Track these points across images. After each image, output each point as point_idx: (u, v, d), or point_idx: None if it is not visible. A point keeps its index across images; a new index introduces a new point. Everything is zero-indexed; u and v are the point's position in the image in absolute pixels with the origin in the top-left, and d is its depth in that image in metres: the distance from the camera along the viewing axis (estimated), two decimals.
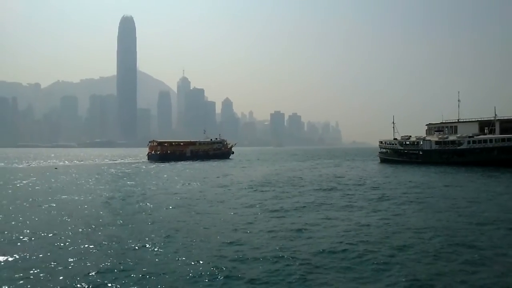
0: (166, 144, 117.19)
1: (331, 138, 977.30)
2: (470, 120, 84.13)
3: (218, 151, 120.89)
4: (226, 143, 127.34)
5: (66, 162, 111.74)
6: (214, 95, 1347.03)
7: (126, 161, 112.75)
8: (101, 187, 42.89)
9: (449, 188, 38.06)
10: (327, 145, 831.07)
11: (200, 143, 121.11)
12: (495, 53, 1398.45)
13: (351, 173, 61.96)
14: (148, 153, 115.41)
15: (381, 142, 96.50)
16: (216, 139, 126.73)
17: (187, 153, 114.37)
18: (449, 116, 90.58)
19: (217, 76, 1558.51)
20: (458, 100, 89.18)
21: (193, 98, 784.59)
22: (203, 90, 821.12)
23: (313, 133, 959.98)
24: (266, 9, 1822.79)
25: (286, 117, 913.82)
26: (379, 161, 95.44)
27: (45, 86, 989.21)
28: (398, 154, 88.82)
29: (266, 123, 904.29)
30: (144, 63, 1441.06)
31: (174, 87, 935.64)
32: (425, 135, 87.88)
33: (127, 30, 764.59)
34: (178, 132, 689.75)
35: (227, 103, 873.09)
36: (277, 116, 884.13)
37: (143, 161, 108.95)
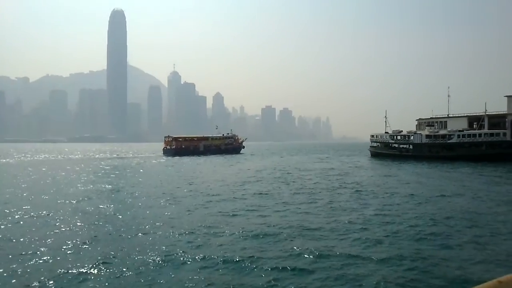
0: (180, 139, 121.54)
1: (322, 133, 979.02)
2: (460, 115, 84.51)
3: (229, 145, 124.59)
4: (237, 138, 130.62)
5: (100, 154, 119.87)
6: (205, 89, 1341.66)
7: (146, 155, 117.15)
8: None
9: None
10: (318, 139, 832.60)
11: (212, 138, 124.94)
12: (488, 51, 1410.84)
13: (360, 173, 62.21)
14: (164, 147, 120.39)
15: (372, 136, 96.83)
16: (228, 134, 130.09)
17: (200, 147, 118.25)
18: (440, 112, 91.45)
19: (208, 70, 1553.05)
20: (448, 96, 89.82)
21: (184, 92, 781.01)
22: (194, 85, 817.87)
23: (304, 128, 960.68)
24: (258, 3, 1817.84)
25: (277, 112, 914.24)
26: (370, 155, 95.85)
27: (34, 80, 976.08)
28: (389, 148, 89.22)
29: (257, 117, 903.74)
30: (135, 57, 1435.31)
31: (164, 82, 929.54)
32: (416, 130, 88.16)
33: (117, 24, 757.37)
34: (169, 127, 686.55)
35: (218, 98, 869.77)
36: (268, 111, 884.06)
37: (159, 155, 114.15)
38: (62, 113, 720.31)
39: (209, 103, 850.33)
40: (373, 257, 13.93)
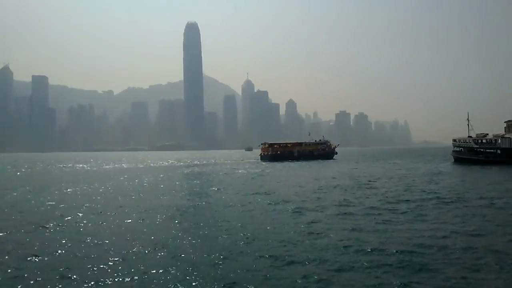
0: (276, 146, 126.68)
1: (400, 138, 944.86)
2: None
3: (323, 151, 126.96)
4: (330, 144, 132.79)
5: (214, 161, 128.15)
6: (278, 96, 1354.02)
7: (249, 161, 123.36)
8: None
9: None
10: (396, 144, 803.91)
11: (306, 144, 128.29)
12: None
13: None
14: (261, 154, 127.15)
15: (454, 140, 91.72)
16: (320, 140, 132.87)
17: (295, 153, 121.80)
18: None
19: (280, 77, 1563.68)
20: None
21: (257, 100, 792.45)
22: (267, 92, 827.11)
23: (381, 132, 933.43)
24: (328, 10, 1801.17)
25: (352, 117, 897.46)
26: (453, 161, 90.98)
27: (118, 93, 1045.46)
28: (474, 153, 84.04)
29: (331, 123, 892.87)
30: (210, 68, 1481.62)
31: (239, 90, 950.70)
32: (504, 133, 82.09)
33: (192, 36, 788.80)
34: (244, 134, 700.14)
35: (291, 104, 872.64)
36: (342, 116, 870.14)
37: (258, 161, 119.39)
38: (143, 123, 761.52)
39: (282, 110, 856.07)
40: None
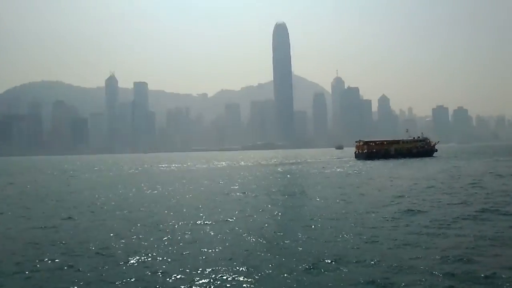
0: (371, 144, 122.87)
1: (507, 133, 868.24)
2: None
3: (421, 149, 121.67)
4: (429, 141, 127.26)
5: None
6: (370, 93, 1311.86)
7: (343, 159, 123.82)
8: None
9: None
10: (502, 141, 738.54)
11: (403, 141, 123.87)
12: None
13: None
14: (355, 151, 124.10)
15: None
16: (419, 137, 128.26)
17: (391, 151, 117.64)
18: None
19: (372, 73, 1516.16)
20: None
21: (348, 97, 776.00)
22: (358, 89, 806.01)
23: (484, 128, 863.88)
24: (418, 4, 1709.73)
25: (450, 112, 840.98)
26: None
27: (211, 96, 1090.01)
28: None
29: (427, 119, 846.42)
30: (299, 67, 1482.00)
31: (328, 88, 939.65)
32: None
33: (281, 37, 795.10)
34: (334, 132, 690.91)
35: (383, 100, 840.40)
36: (440, 111, 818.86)
37: (352, 159, 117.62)
38: (236, 124, 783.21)
39: (374, 107, 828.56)
40: None
